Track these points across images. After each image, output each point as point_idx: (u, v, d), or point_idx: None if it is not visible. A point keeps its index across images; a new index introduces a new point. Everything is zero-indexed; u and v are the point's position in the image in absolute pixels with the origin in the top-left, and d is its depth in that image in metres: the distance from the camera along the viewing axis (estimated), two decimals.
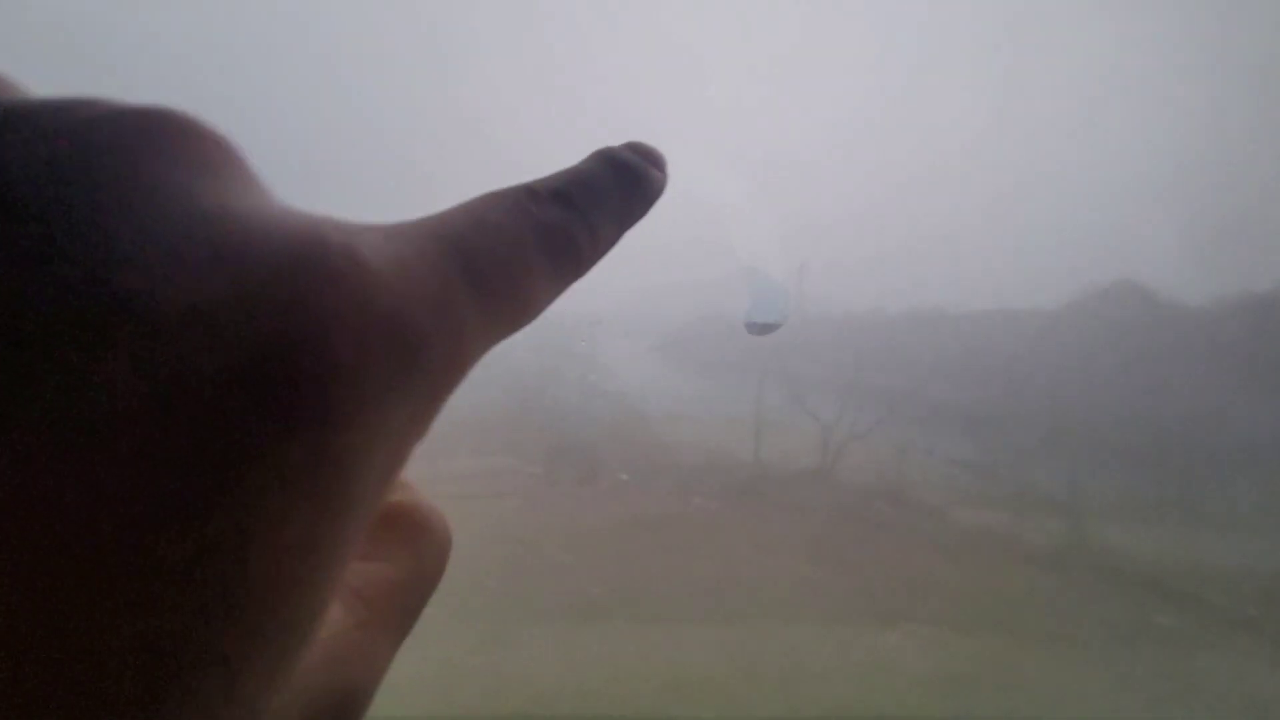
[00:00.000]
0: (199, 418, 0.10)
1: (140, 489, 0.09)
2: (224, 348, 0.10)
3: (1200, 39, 1.67)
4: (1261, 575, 1.77)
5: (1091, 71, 1.82)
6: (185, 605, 0.10)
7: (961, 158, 1.92)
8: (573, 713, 1.30)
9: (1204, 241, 1.77)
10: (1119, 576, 1.86)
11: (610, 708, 1.31)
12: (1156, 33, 1.70)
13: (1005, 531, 2.06)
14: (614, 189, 0.18)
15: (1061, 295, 1.97)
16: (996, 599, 1.78)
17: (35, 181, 0.10)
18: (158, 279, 0.10)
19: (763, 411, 2.28)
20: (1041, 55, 1.84)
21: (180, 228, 0.11)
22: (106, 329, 0.10)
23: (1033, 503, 2.09)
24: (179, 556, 0.10)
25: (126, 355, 0.10)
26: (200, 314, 0.10)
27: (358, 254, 0.12)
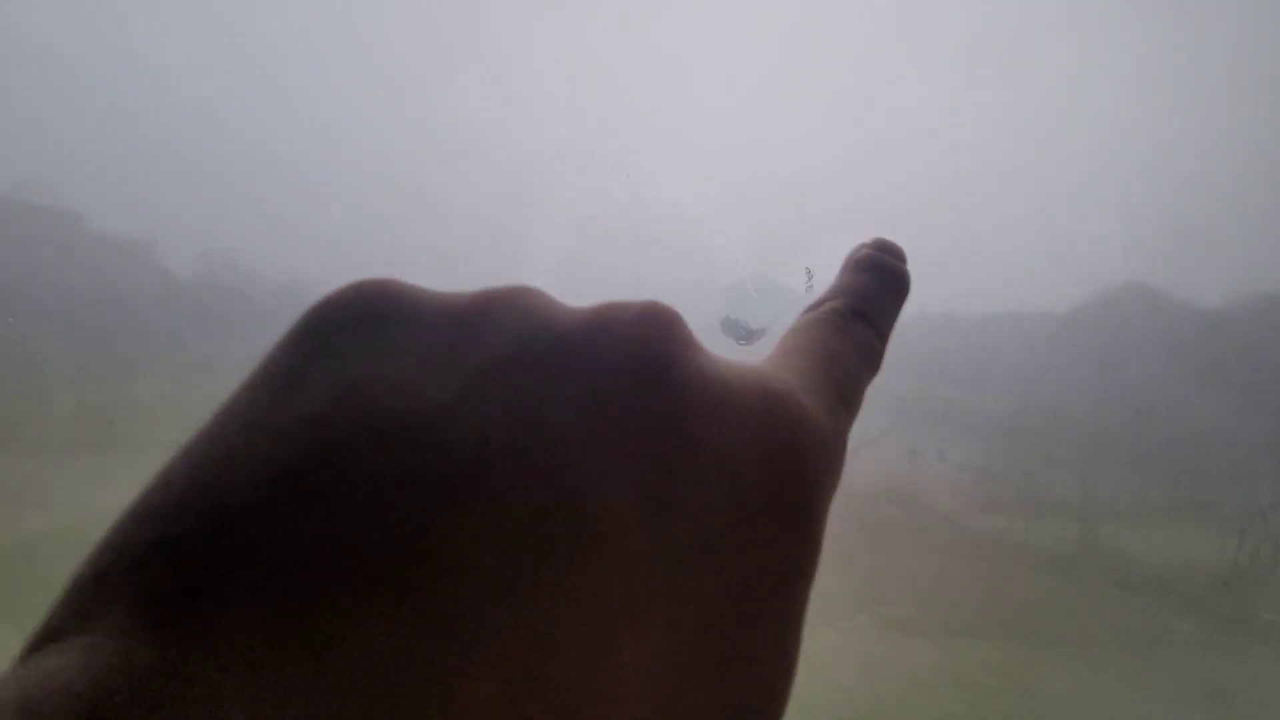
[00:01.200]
0: (771, 518, 0.15)
1: (767, 568, 0.15)
2: (764, 482, 0.15)
3: (1212, 38, 1.67)
4: None
5: (1100, 71, 1.82)
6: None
7: (969, 160, 1.92)
8: None
9: (1215, 243, 1.76)
10: (1134, 581, 1.84)
11: None
12: (1168, 32, 1.70)
13: (1017, 536, 2.05)
14: (884, 295, 0.23)
15: (1071, 298, 1.96)
16: (1009, 604, 1.76)
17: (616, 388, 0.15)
18: (721, 428, 0.15)
19: None
20: (1050, 56, 1.84)
21: (709, 390, 0.15)
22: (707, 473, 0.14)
23: (1045, 507, 2.08)
24: (797, 612, 0.15)
25: (724, 486, 0.14)
26: (738, 449, 0.15)
27: (801, 400, 0.17)
